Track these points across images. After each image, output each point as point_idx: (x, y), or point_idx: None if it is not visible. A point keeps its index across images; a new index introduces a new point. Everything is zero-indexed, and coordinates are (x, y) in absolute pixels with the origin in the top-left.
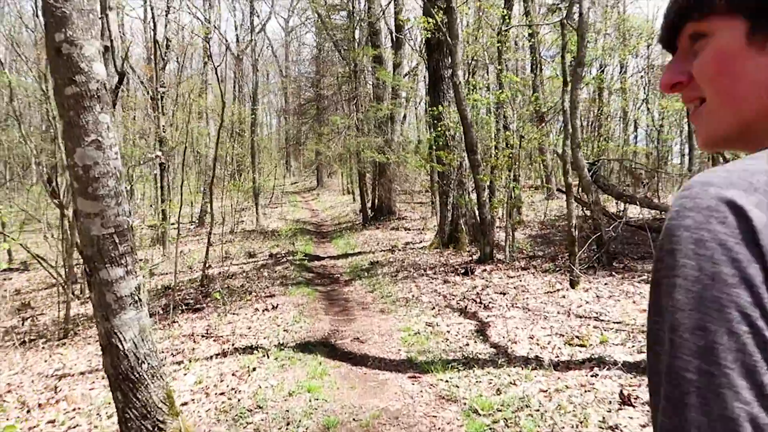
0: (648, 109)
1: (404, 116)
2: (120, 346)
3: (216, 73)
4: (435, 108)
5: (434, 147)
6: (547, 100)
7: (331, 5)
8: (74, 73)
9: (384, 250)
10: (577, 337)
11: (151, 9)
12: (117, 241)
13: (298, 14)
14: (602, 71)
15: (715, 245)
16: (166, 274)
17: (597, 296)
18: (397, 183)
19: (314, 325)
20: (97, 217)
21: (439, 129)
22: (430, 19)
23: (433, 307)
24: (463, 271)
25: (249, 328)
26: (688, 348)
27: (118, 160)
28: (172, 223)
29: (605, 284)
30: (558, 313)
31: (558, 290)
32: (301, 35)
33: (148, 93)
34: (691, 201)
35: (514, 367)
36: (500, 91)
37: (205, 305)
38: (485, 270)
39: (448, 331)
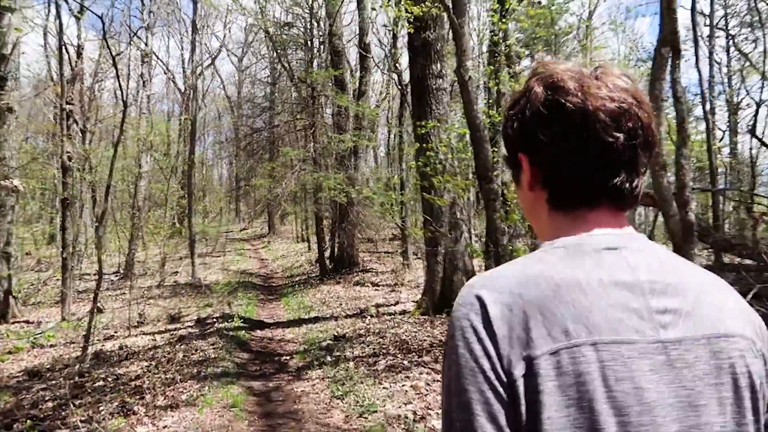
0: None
1: (371, 149)
2: None
3: (115, 66)
4: (421, 126)
5: (425, 173)
6: None
7: (284, 22)
8: None
9: (350, 315)
10: None
11: (56, 5)
12: None
13: (253, 52)
14: None
15: (471, 330)
16: (53, 346)
17: None
18: (360, 229)
19: None
20: None
21: (430, 153)
22: (416, 7)
23: None
24: None
25: None
26: (455, 401)
27: None
28: (87, 274)
29: None
30: None
31: None
32: (256, 72)
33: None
34: (461, 298)
35: None
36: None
37: (60, 419)
38: None
39: None
